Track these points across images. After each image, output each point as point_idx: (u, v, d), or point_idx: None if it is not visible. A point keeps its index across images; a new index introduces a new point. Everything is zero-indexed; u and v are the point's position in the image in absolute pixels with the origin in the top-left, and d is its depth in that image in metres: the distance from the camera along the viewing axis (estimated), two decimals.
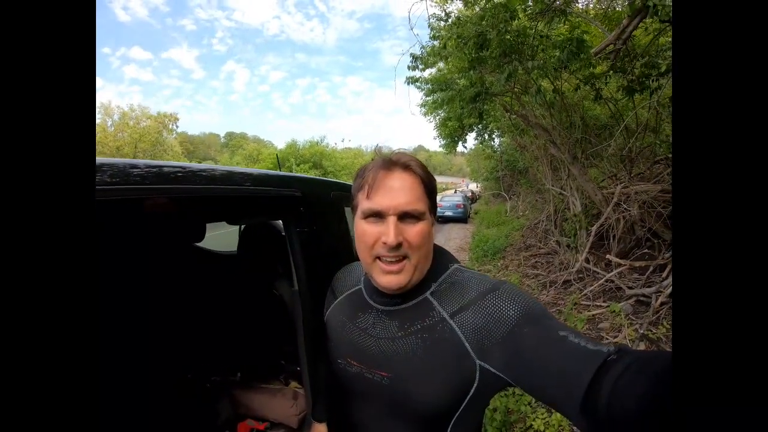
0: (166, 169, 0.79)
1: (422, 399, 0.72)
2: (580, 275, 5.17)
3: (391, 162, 0.76)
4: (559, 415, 2.53)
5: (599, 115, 6.94)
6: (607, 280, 4.53)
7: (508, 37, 4.57)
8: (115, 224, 1.41)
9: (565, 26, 5.24)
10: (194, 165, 0.90)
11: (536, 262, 7.09)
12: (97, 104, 29.94)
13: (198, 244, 2.06)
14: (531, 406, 2.78)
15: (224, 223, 1.59)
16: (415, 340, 0.75)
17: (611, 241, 5.12)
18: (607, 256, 4.80)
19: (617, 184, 5.31)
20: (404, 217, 0.73)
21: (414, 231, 0.73)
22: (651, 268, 4.25)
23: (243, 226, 1.89)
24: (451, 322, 0.73)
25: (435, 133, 11.32)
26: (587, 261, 5.14)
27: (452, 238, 12.48)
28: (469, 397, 0.72)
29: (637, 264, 4.39)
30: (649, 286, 4.03)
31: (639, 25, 3.66)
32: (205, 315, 1.85)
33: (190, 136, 75.16)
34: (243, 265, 1.92)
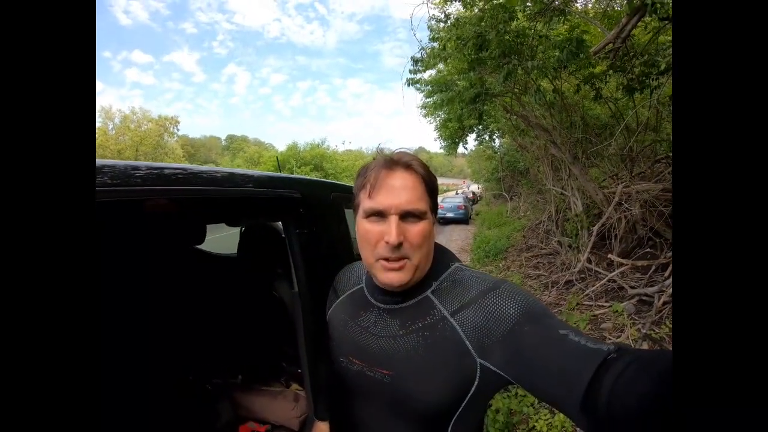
0: (166, 170, 0.79)
1: (423, 397, 0.72)
2: (582, 275, 5.16)
3: (392, 161, 0.76)
4: (561, 416, 2.52)
5: (599, 115, 6.94)
6: (609, 280, 4.52)
7: (507, 37, 4.58)
8: (117, 225, 1.41)
9: (565, 26, 5.24)
10: (195, 167, 0.91)
11: (538, 262, 7.08)
12: (98, 108, 30.10)
13: (198, 246, 2.06)
14: (534, 407, 2.77)
15: (224, 226, 1.59)
16: (416, 338, 0.75)
17: (613, 240, 5.12)
18: (609, 255, 4.80)
19: (618, 184, 5.31)
20: (406, 216, 0.73)
21: (415, 230, 0.73)
22: (653, 268, 4.24)
23: (243, 228, 1.89)
24: (452, 320, 0.73)
25: (436, 134, 11.34)
26: (589, 261, 5.13)
27: (454, 240, 12.48)
28: (469, 395, 0.72)
29: (639, 263, 4.38)
30: (652, 286, 4.01)
31: (638, 24, 3.66)
32: (205, 317, 1.85)
33: (191, 139, 75.28)
34: (243, 267, 1.92)
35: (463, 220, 17.33)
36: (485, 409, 0.82)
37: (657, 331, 3.39)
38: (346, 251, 1.41)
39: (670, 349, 0.42)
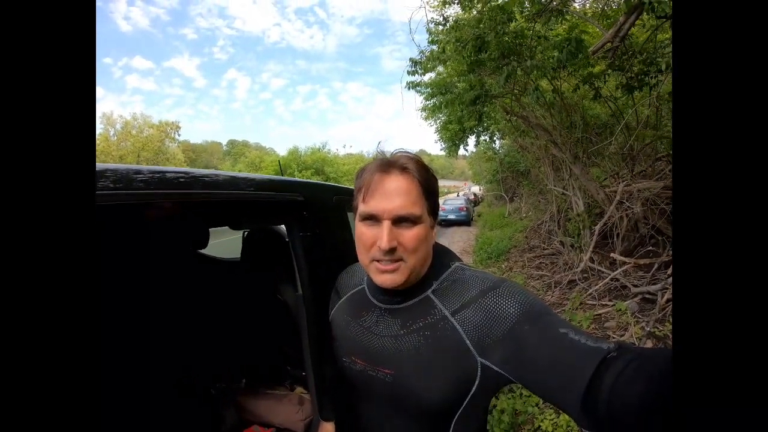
0: (169, 174, 0.80)
1: (424, 396, 0.72)
2: (585, 275, 5.15)
3: (388, 164, 0.76)
4: (567, 416, 2.52)
5: (599, 114, 6.95)
6: (612, 279, 4.51)
7: (506, 38, 4.59)
8: (120, 229, 1.42)
9: (563, 26, 5.26)
10: (197, 170, 0.91)
11: (540, 263, 7.07)
12: (100, 114, 30.25)
13: (202, 251, 2.07)
14: (539, 407, 2.77)
15: (227, 231, 1.59)
16: (417, 337, 0.75)
17: (615, 239, 5.11)
18: (612, 254, 4.79)
19: (619, 183, 5.30)
20: (399, 221, 0.73)
21: (409, 235, 0.73)
22: (656, 266, 4.23)
23: (246, 233, 1.90)
24: (453, 319, 0.73)
25: (436, 136, 11.35)
26: (592, 260, 5.12)
27: (456, 242, 12.47)
28: (471, 394, 0.72)
29: (641, 262, 4.37)
30: (655, 284, 4.00)
31: (636, 22, 3.67)
32: (209, 321, 1.86)
33: (192, 145, 75.48)
34: (246, 271, 1.93)
35: (464, 221, 17.35)
36: (487, 408, 0.82)
37: (661, 328, 3.38)
38: (349, 254, 1.42)
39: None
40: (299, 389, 1.88)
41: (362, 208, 0.75)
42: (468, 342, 0.71)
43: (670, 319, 3.44)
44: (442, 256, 0.84)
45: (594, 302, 4.41)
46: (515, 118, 7.08)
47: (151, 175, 0.74)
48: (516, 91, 5.75)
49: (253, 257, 1.87)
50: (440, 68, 7.68)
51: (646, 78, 4.32)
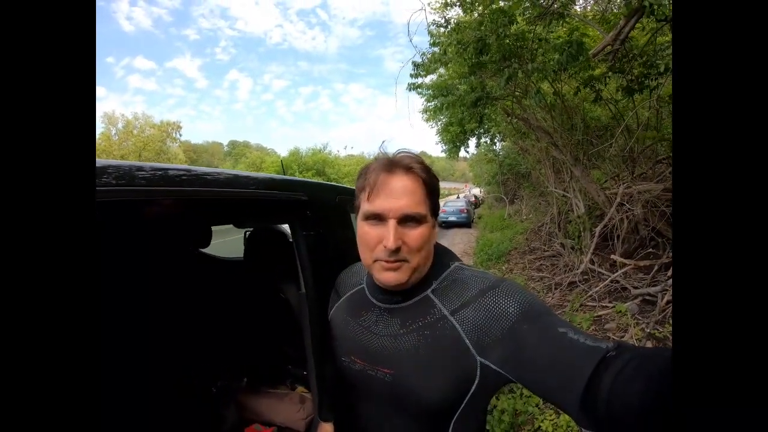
0: (171, 171, 0.80)
1: (424, 395, 0.72)
2: (585, 276, 5.15)
3: (393, 163, 0.75)
4: (567, 416, 2.52)
5: (600, 117, 6.96)
6: (612, 281, 4.51)
7: (507, 41, 4.61)
8: (123, 226, 1.43)
9: (564, 29, 5.28)
10: (200, 168, 0.92)
11: (541, 264, 7.07)
12: (101, 114, 30.30)
13: (204, 251, 2.08)
14: (539, 408, 2.77)
15: (231, 230, 1.60)
16: (416, 337, 0.75)
17: (615, 241, 5.12)
18: (612, 256, 4.79)
19: (620, 185, 5.31)
20: (405, 220, 0.73)
21: (414, 234, 0.73)
22: (656, 267, 4.23)
23: (247, 233, 1.91)
24: (452, 319, 0.73)
25: (437, 138, 11.38)
26: (592, 262, 5.12)
27: (456, 243, 12.46)
28: (470, 393, 0.72)
29: (642, 263, 4.37)
30: (655, 285, 4.01)
31: (636, 25, 3.68)
32: (211, 320, 1.87)
33: (193, 145, 75.55)
34: (249, 270, 1.94)
35: (465, 223, 17.33)
36: (486, 408, 0.81)
37: (661, 330, 3.38)
38: (351, 253, 1.43)
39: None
40: (300, 388, 1.89)
41: (367, 207, 0.75)
42: (467, 341, 0.71)
43: (670, 321, 3.44)
44: (442, 256, 0.84)
45: (594, 304, 4.42)
46: (516, 120, 7.10)
47: (153, 172, 0.74)
48: (517, 93, 5.77)
49: (255, 256, 1.88)
50: (441, 70, 7.70)
51: (647, 80, 4.33)
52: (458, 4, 5.22)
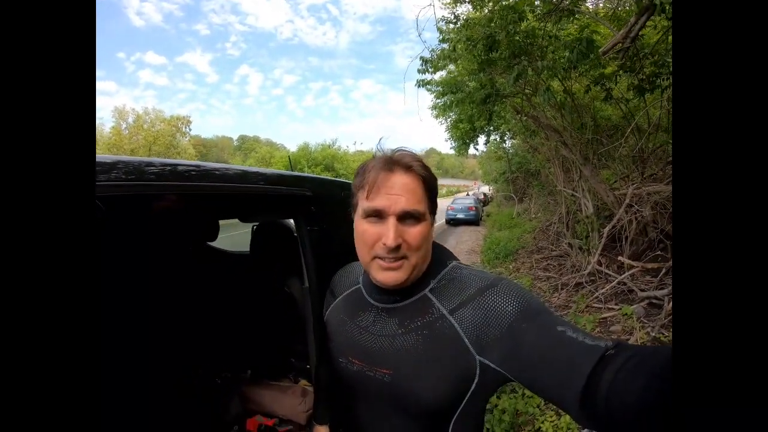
0: (180, 167, 0.81)
1: (423, 395, 0.72)
2: (592, 277, 5.11)
3: (392, 162, 0.75)
4: (568, 417, 2.51)
5: (610, 116, 6.88)
6: (619, 283, 4.48)
7: (517, 38, 4.58)
8: (132, 220, 1.45)
9: (574, 26, 5.23)
10: (208, 164, 0.93)
11: (548, 264, 7.03)
12: (112, 108, 30.64)
13: (211, 244, 2.11)
14: (540, 408, 2.77)
15: (234, 228, 1.61)
16: (415, 336, 0.75)
17: (623, 242, 5.07)
18: (620, 258, 4.75)
19: (629, 185, 5.25)
20: (404, 217, 0.73)
21: (414, 232, 0.73)
22: (663, 270, 4.19)
23: (254, 227, 1.92)
24: (451, 318, 0.73)
25: (447, 135, 11.33)
26: (599, 263, 5.08)
27: (464, 241, 12.44)
28: (470, 393, 0.72)
29: (649, 266, 4.33)
30: (662, 289, 3.97)
31: (647, 24, 3.63)
32: (216, 312, 1.90)
33: (203, 139, 76.07)
34: (255, 264, 1.96)
35: (473, 221, 17.27)
36: (485, 407, 0.81)
37: (666, 334, 3.35)
38: (355, 248, 1.43)
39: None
40: (303, 381, 1.91)
41: (366, 204, 0.74)
42: (466, 340, 0.70)
43: None
44: (439, 255, 0.84)
45: (600, 305, 4.39)
46: (525, 118, 7.05)
47: (162, 167, 0.75)
48: (527, 90, 5.73)
49: (261, 250, 1.90)
50: (451, 67, 7.66)
51: (658, 80, 4.27)
52: (468, 0, 5.18)
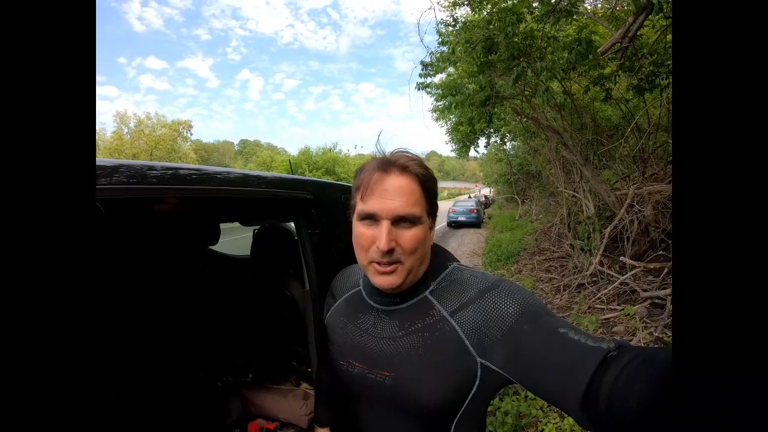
0: (181, 171, 0.82)
1: (424, 398, 0.72)
2: (594, 278, 5.10)
3: (388, 163, 0.74)
4: (571, 420, 2.50)
5: (610, 116, 6.89)
6: (621, 283, 4.46)
7: (516, 39, 4.59)
8: (133, 223, 1.46)
9: (573, 27, 5.24)
10: (209, 167, 0.94)
11: (550, 266, 7.02)
12: (114, 113, 30.81)
13: (211, 248, 2.11)
14: (543, 411, 2.76)
15: (235, 232, 1.61)
16: (415, 339, 0.74)
17: (625, 243, 5.05)
18: (622, 258, 4.74)
19: (630, 185, 5.24)
20: (399, 221, 0.72)
21: (408, 236, 0.72)
22: (666, 270, 4.17)
23: (255, 231, 1.93)
24: (451, 320, 0.73)
25: (447, 137, 11.34)
26: (601, 264, 5.06)
27: (465, 243, 12.43)
28: (471, 395, 0.72)
29: (651, 266, 4.31)
30: (664, 288, 3.96)
31: (645, 23, 3.63)
32: (218, 315, 1.90)
33: (204, 144, 76.41)
34: (256, 268, 1.96)
35: (475, 223, 17.28)
36: (487, 409, 0.81)
37: (669, 334, 3.34)
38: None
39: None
40: (305, 385, 1.91)
41: (361, 207, 0.74)
42: (467, 342, 0.70)
43: None
44: (439, 257, 0.83)
45: (603, 306, 4.37)
46: (525, 119, 7.05)
47: (164, 171, 0.76)
48: (526, 92, 5.73)
49: (262, 254, 1.90)
50: (451, 69, 7.68)
51: (657, 79, 4.28)
52: (467, 2, 5.20)
